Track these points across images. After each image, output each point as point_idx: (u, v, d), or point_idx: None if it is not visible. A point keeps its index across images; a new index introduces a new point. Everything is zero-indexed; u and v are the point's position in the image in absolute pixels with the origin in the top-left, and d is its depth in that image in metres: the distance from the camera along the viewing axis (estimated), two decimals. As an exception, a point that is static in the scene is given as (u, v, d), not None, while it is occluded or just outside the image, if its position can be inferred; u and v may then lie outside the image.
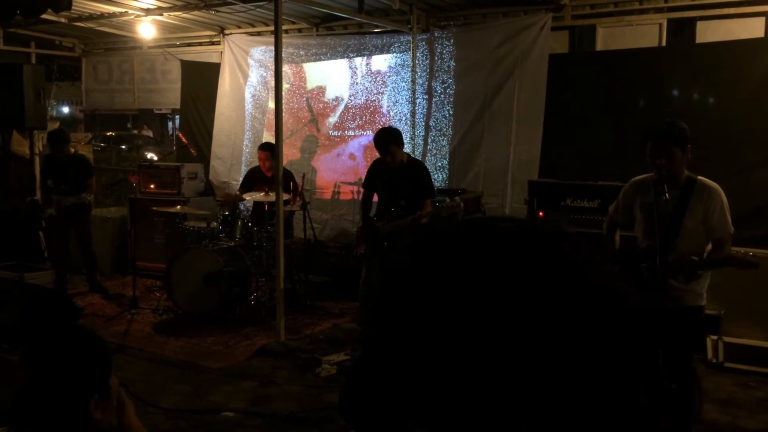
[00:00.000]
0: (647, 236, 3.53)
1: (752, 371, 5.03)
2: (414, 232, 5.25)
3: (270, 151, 6.69)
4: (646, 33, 6.38)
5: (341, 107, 7.95)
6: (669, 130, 3.44)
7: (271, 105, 7.91)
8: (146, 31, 8.08)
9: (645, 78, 6.18)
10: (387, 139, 5.28)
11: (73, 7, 6.45)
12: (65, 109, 19.13)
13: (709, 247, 3.59)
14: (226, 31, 8.64)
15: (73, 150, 7.35)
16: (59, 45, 9.82)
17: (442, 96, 7.30)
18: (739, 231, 3.56)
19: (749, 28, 5.88)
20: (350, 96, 7.87)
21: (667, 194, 3.37)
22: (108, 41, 9.68)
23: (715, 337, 5.27)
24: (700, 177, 3.53)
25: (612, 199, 3.94)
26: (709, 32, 6.06)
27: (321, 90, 8.08)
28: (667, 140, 3.44)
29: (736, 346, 5.22)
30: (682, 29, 6.26)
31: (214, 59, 8.88)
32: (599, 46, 6.60)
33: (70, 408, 1.60)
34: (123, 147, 17.06)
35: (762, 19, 5.83)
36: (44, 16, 6.56)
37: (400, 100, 7.53)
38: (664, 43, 6.29)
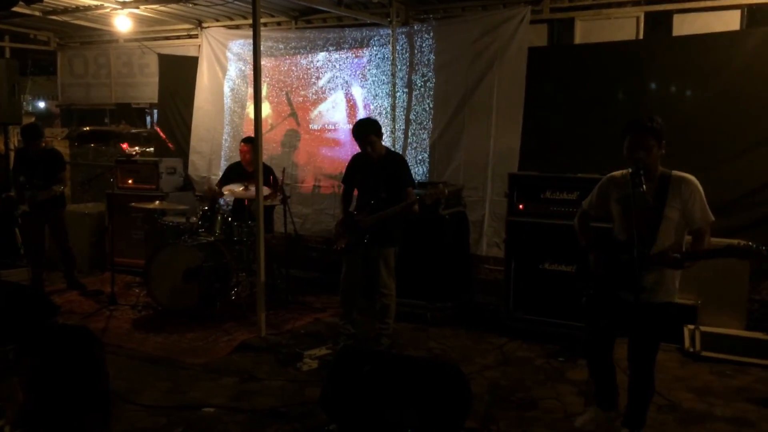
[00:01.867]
0: (625, 229, 3.57)
1: (728, 360, 5.11)
2: (406, 224, 5.25)
3: (253, 144, 6.65)
4: (624, 26, 6.43)
5: (321, 101, 7.92)
6: (649, 124, 3.49)
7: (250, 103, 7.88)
8: (122, 24, 7.97)
9: (623, 71, 6.23)
10: (366, 129, 5.27)
11: (46, 0, 6.35)
12: (41, 104, 18.85)
13: (690, 238, 3.64)
14: (204, 25, 8.56)
15: (44, 144, 7.23)
16: (34, 39, 9.67)
17: (422, 89, 7.30)
18: (717, 222, 3.60)
19: (725, 21, 5.94)
20: (330, 90, 7.84)
21: (644, 185, 3.41)
22: (84, 35, 9.55)
23: (691, 327, 5.34)
24: (674, 171, 3.58)
25: (591, 191, 3.97)
26: (686, 25, 6.12)
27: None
28: (647, 134, 3.49)
29: (713, 335, 5.30)
30: (659, 22, 6.31)
31: (192, 53, 8.79)
32: (578, 39, 6.64)
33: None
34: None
35: (738, 12, 5.89)
36: (17, 9, 6.44)
37: (380, 94, 7.52)
38: (641, 36, 6.33)
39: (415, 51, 7.29)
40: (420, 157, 7.34)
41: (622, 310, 3.57)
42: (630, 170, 3.60)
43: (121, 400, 4.37)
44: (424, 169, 7.31)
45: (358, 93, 7.68)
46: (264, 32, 7.66)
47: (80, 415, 1.68)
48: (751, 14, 5.88)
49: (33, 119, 9.86)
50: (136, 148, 8.84)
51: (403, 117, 7.43)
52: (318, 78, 7.90)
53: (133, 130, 10.01)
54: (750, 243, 3.35)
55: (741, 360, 5.09)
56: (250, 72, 7.97)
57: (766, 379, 4.74)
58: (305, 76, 7.97)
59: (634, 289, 3.41)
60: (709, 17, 6.03)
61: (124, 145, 8.90)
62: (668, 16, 6.23)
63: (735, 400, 4.46)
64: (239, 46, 8.31)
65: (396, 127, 7.41)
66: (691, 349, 5.23)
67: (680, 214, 3.52)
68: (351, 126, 5.68)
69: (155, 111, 9.65)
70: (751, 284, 5.56)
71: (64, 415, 1.66)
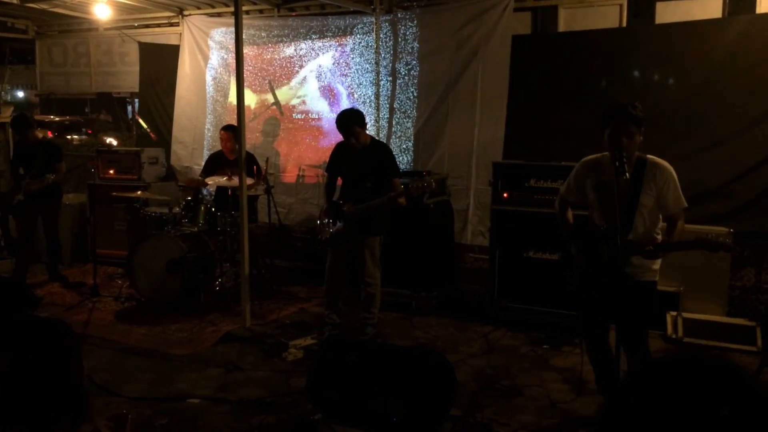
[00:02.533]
0: (606, 216, 3.57)
1: (711, 346, 5.17)
2: (391, 213, 5.24)
3: (233, 131, 6.60)
4: (607, 14, 6.43)
5: (304, 90, 7.87)
6: (632, 111, 3.48)
7: (233, 91, 7.80)
8: (102, 12, 7.85)
9: (606, 59, 6.23)
10: (349, 120, 5.23)
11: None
12: (20, 94, 18.60)
13: (663, 224, 3.66)
14: (185, 12, 8.45)
15: (41, 135, 7.18)
16: (11, 27, 9.50)
17: (406, 78, 7.26)
18: (698, 209, 3.63)
19: (707, 9, 5.96)
20: (313, 79, 7.78)
21: (627, 174, 3.41)
22: (62, 23, 9.40)
23: (674, 313, 5.39)
24: (649, 156, 3.59)
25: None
26: (669, 13, 6.13)
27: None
28: (629, 120, 3.48)
29: (695, 321, 5.35)
30: (642, 10, 6.31)
31: (173, 41, 8.68)
32: (561, 27, 6.63)
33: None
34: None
35: (719, 0, 5.91)
36: (-7, -4, 6.33)
37: (364, 82, 7.48)
38: (624, 24, 6.34)
39: (399, 39, 7.25)
40: (404, 146, 7.31)
41: (609, 295, 3.58)
42: (605, 154, 3.60)
43: (106, 392, 4.34)
44: (409, 158, 7.29)
45: (341, 82, 7.63)
46: (246, 20, 7.58)
47: (51, 411, 1.64)
48: (733, 2, 5.90)
49: (12, 109, 9.71)
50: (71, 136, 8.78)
51: (387, 106, 7.39)
52: (301, 66, 7.84)
53: (68, 119, 9.93)
54: (719, 236, 3.38)
55: (723, 346, 5.14)
56: (232, 60, 7.88)
57: (748, 364, 4.78)
58: (288, 65, 7.91)
59: (619, 277, 3.42)
60: (692, 5, 6.04)
61: (50, 133, 8.85)
62: (651, 3, 6.24)
63: (717, 386, 4.50)
64: (221, 35, 8.22)
65: (380, 116, 7.38)
66: (674, 336, 5.28)
67: (654, 201, 3.54)
68: (334, 115, 5.64)
69: (136, 100, 9.54)
70: (733, 271, 5.62)
71: (34, 410, 1.62)
